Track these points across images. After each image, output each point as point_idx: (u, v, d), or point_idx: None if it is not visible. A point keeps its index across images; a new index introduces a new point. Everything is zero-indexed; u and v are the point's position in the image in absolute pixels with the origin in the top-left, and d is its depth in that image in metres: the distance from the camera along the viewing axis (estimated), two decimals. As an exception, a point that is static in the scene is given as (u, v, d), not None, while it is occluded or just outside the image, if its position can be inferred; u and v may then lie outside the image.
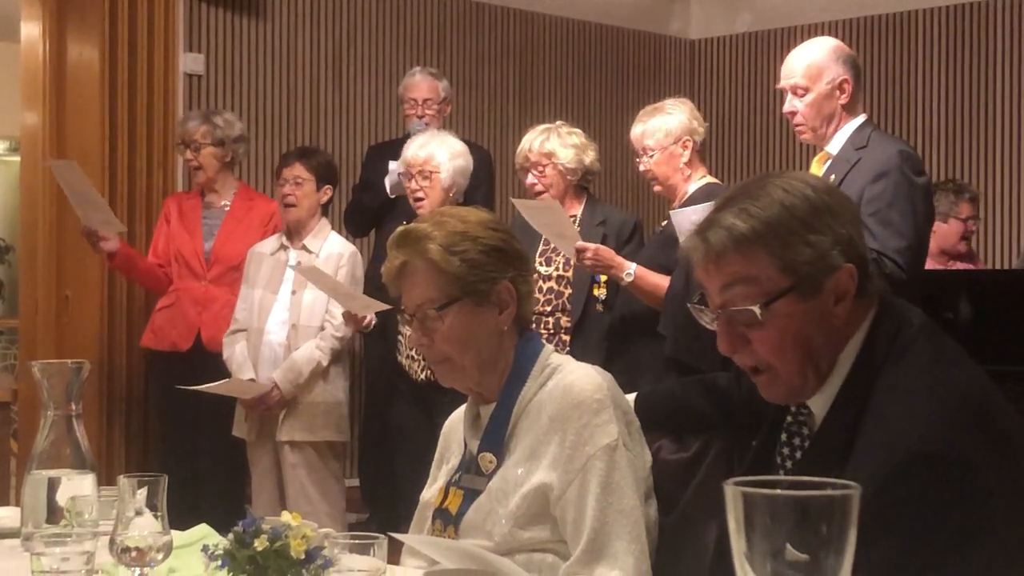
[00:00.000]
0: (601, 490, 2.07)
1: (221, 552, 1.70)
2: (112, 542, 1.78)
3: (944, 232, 5.51)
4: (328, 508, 4.59)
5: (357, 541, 1.68)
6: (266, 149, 6.33)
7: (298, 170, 4.71)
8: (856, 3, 7.57)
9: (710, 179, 4.36)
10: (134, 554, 1.77)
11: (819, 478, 1.04)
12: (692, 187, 4.29)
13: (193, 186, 5.32)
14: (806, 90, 3.73)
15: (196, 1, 6.17)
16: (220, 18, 6.28)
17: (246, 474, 4.86)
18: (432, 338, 2.21)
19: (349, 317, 4.51)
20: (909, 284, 3.41)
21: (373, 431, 5.72)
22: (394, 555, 1.80)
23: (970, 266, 5.74)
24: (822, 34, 4.80)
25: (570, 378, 2.17)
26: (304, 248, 4.72)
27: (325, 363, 4.62)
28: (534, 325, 3.97)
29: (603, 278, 4.41)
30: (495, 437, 2.19)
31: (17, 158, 7.39)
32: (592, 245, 4.21)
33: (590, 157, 4.58)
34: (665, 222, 4.33)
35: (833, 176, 3.58)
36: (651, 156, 4.29)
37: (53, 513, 2.02)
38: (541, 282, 4.50)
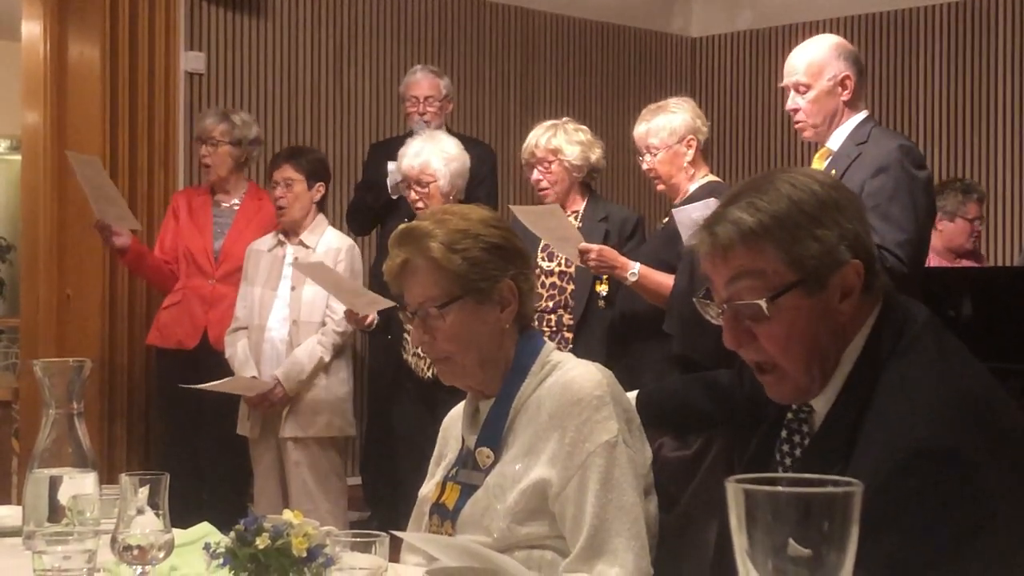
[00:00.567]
0: (601, 486, 2.06)
1: (223, 550, 1.70)
2: (114, 540, 1.78)
3: (951, 231, 5.51)
4: (330, 506, 4.60)
5: (359, 539, 1.68)
6: (268, 148, 6.32)
7: (287, 171, 4.70)
8: (857, 0, 7.56)
9: (712, 177, 4.36)
10: (136, 552, 1.77)
11: (820, 475, 1.03)
12: (694, 185, 4.29)
13: (203, 183, 5.32)
14: (808, 87, 3.73)
15: (197, -1, 6.19)
16: (221, 16, 6.28)
17: (248, 473, 4.87)
18: (433, 336, 2.21)
19: (351, 316, 4.51)
20: (910, 278, 3.42)
21: (376, 429, 5.72)
22: (394, 553, 1.80)
23: (975, 264, 5.73)
24: (823, 31, 4.79)
25: (570, 375, 2.16)
26: (301, 243, 4.72)
27: (327, 359, 4.63)
28: (536, 323, 3.98)
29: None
30: (493, 432, 2.19)
31: (18, 157, 7.38)
32: (596, 246, 4.20)
33: (596, 154, 4.57)
34: (667, 218, 4.33)
35: (834, 172, 3.57)
36: (655, 155, 4.28)
37: (55, 512, 2.02)
38: (544, 277, 4.49)
